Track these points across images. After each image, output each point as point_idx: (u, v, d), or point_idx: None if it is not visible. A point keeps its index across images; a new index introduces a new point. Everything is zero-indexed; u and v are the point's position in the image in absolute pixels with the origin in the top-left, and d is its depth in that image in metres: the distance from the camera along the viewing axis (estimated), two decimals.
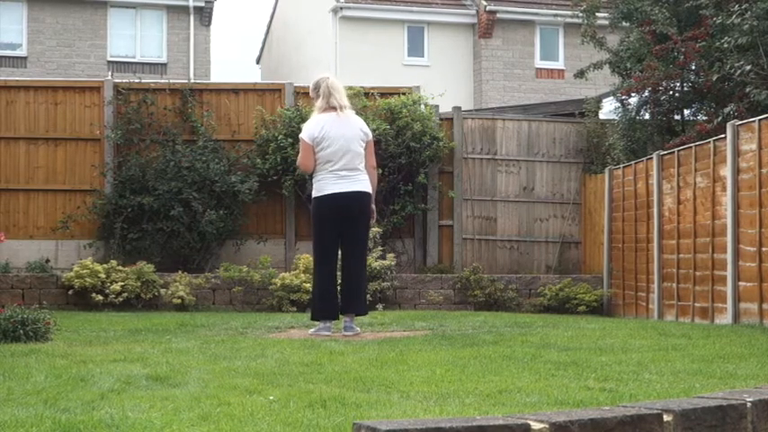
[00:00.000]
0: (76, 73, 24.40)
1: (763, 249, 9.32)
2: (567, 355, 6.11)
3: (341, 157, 8.02)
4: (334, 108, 8.12)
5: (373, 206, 8.30)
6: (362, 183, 8.08)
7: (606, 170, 13.85)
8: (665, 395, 4.36)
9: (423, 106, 14.39)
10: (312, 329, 8.18)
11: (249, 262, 13.45)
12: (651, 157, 12.25)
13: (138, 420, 3.75)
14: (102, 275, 12.45)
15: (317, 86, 8.27)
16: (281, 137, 13.77)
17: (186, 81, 17.14)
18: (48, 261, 13.55)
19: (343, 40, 25.61)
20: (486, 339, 7.28)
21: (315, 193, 8.15)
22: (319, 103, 8.20)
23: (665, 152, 12.00)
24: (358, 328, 8.11)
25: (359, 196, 8.05)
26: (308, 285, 12.48)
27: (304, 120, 13.68)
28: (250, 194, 13.64)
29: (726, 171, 10.14)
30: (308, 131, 8.14)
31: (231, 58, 61.07)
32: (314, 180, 8.21)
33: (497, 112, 16.51)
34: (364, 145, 8.14)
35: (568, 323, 9.37)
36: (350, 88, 14.37)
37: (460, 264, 14.36)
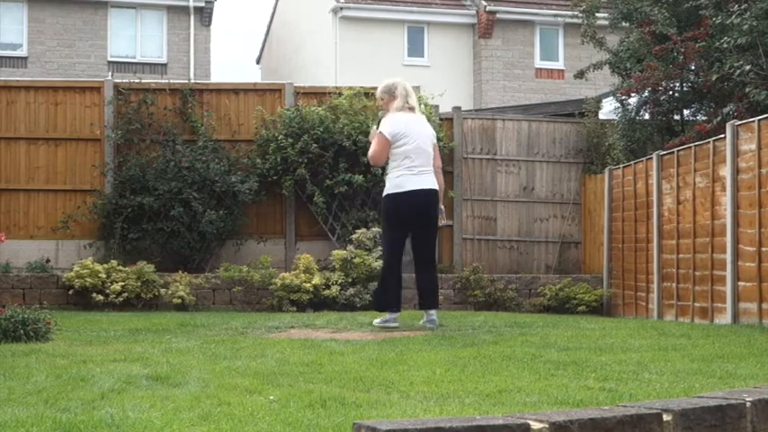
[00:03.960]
0: (77, 73, 24.41)
1: (763, 249, 9.33)
2: (567, 354, 6.11)
3: (418, 155, 8.44)
4: (411, 108, 8.58)
5: (442, 206, 8.79)
6: (433, 181, 8.54)
7: (606, 170, 13.85)
8: (665, 395, 4.36)
9: (423, 106, 14.36)
10: (378, 320, 8.60)
11: (249, 262, 13.45)
12: (651, 157, 12.25)
13: (138, 420, 3.76)
14: (103, 275, 12.45)
15: (390, 89, 8.65)
16: (281, 137, 13.78)
17: (186, 81, 17.12)
18: (48, 261, 13.55)
19: (343, 40, 25.62)
20: (486, 339, 7.29)
21: (393, 190, 8.45)
22: (398, 103, 8.57)
23: (665, 152, 12.00)
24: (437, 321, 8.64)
25: (433, 193, 8.50)
26: (309, 285, 12.51)
27: (304, 120, 13.78)
28: (250, 194, 13.64)
29: (725, 171, 10.15)
30: (390, 127, 8.48)
31: (231, 58, 61.10)
32: (389, 176, 8.54)
33: (497, 112, 16.52)
34: (432, 146, 8.62)
35: (568, 323, 9.37)
36: (350, 88, 14.42)
37: (460, 264, 14.37)
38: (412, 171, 8.39)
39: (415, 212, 8.44)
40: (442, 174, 8.82)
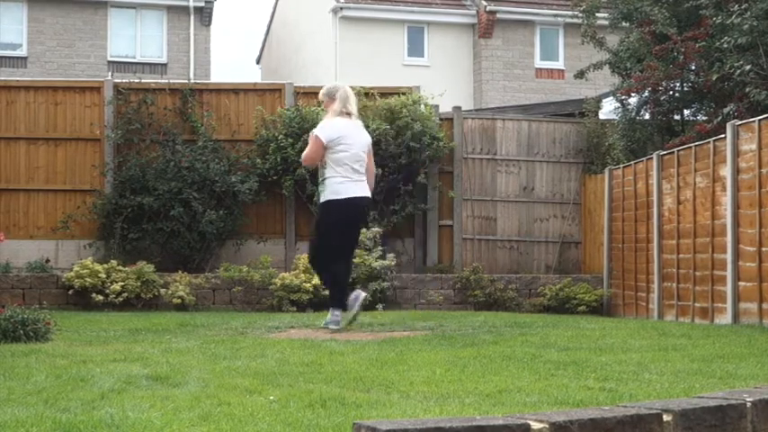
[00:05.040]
0: (77, 73, 24.40)
1: (763, 249, 9.32)
2: (567, 354, 6.11)
3: (354, 162, 8.45)
4: (348, 114, 8.55)
5: None
6: (367, 188, 8.56)
7: (606, 170, 13.85)
8: (665, 395, 4.36)
9: (423, 106, 14.37)
10: (327, 321, 8.56)
11: (249, 262, 13.45)
12: (651, 157, 12.25)
13: (138, 420, 3.75)
14: (103, 275, 12.45)
15: (331, 92, 8.70)
16: (281, 137, 13.77)
17: (186, 81, 17.14)
18: (48, 261, 13.55)
19: (343, 40, 25.61)
20: (486, 339, 7.28)
21: (332, 196, 8.44)
22: (336, 106, 8.59)
23: (665, 152, 12.00)
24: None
25: (367, 201, 8.61)
26: (309, 285, 12.50)
27: (304, 120, 13.77)
28: (250, 194, 13.64)
29: (725, 171, 10.14)
30: (326, 132, 8.49)
31: (231, 58, 61.09)
32: (327, 182, 8.48)
33: (497, 112, 16.51)
34: (367, 153, 8.63)
35: (568, 323, 9.37)
36: (350, 88, 14.39)
37: (460, 264, 14.36)
38: (350, 178, 8.41)
39: (352, 219, 8.51)
40: (373, 177, 8.82)
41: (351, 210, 8.43)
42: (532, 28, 26.52)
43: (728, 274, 9.95)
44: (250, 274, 12.93)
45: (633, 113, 14.07)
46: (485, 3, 25.88)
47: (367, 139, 8.67)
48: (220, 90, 14.66)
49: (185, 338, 7.51)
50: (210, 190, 13.60)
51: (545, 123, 15.19)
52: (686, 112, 14.06)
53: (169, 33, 26.17)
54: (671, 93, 13.72)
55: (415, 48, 26.27)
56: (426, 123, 14.08)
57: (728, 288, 9.94)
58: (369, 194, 8.58)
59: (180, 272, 13.04)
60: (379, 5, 25.95)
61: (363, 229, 13.16)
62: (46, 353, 6.19)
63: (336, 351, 6.37)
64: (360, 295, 8.59)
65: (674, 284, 11.41)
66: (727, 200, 10.09)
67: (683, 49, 12.83)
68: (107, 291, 12.34)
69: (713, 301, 10.42)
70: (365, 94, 14.26)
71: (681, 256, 11.28)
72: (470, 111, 17.82)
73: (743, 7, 11.68)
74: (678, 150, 11.59)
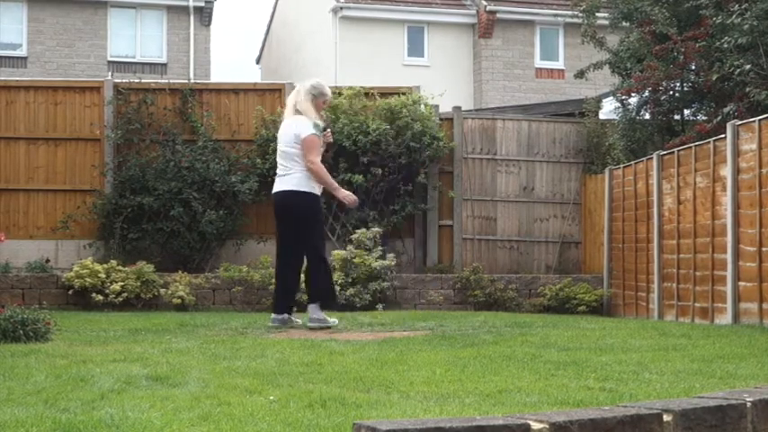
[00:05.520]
0: (76, 73, 24.41)
1: (763, 249, 9.32)
2: (567, 354, 6.11)
3: (280, 158, 8.75)
4: (289, 111, 8.87)
5: (341, 194, 8.77)
6: (287, 182, 8.63)
7: (606, 170, 13.84)
8: (665, 395, 4.36)
9: (423, 106, 14.37)
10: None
11: (249, 262, 13.44)
12: (651, 157, 12.25)
13: (138, 420, 3.75)
14: (102, 275, 12.44)
15: None
16: None
17: (186, 81, 17.14)
18: (48, 261, 13.54)
19: (344, 40, 25.62)
20: (486, 339, 7.28)
21: None
22: None
23: (665, 152, 12.00)
24: (320, 322, 8.58)
25: (282, 195, 8.67)
26: None
27: None
28: (250, 194, 13.64)
29: (726, 171, 10.14)
30: None
31: (231, 58, 61.08)
32: None
33: (497, 112, 16.51)
34: (298, 146, 8.57)
35: (568, 323, 9.37)
36: (350, 88, 14.42)
37: (460, 264, 14.36)
38: (278, 174, 8.77)
39: (277, 214, 8.78)
40: (314, 168, 8.48)
41: (275, 204, 8.77)
42: (532, 28, 26.53)
43: (728, 274, 9.95)
44: (250, 274, 12.93)
45: (633, 113, 14.07)
46: (485, 3, 25.89)
47: (293, 133, 8.55)
48: (220, 90, 14.65)
49: (185, 338, 7.51)
50: (210, 190, 13.60)
51: (545, 123, 15.19)
52: (686, 112, 14.06)
53: (169, 33, 26.18)
54: (671, 93, 13.72)
55: (415, 48, 26.28)
56: (426, 123, 14.08)
57: (728, 288, 9.94)
58: (285, 188, 8.58)
59: (180, 272, 13.04)
60: (379, 5, 25.96)
61: (363, 229, 13.24)
62: (46, 353, 6.19)
63: (336, 351, 6.37)
64: (284, 319, 8.74)
65: (674, 284, 11.41)
66: (727, 200, 10.09)
67: (683, 49, 12.82)
68: (107, 291, 12.33)
69: (713, 301, 10.42)
70: (365, 94, 14.27)
71: (681, 256, 11.28)
72: (470, 111, 17.82)
73: (743, 7, 11.68)
74: (678, 150, 11.59)
